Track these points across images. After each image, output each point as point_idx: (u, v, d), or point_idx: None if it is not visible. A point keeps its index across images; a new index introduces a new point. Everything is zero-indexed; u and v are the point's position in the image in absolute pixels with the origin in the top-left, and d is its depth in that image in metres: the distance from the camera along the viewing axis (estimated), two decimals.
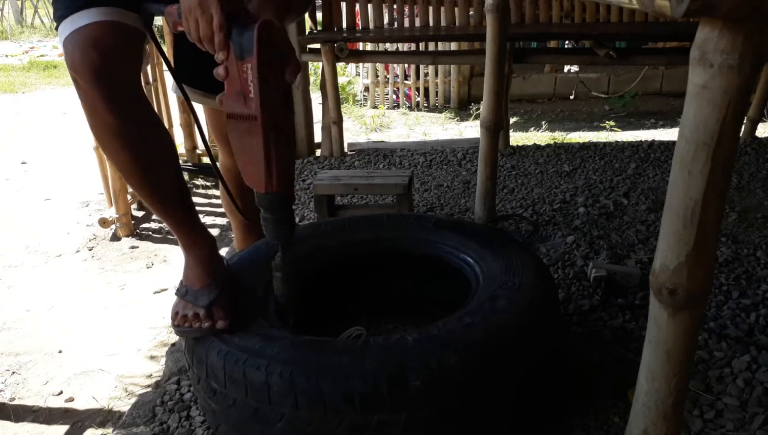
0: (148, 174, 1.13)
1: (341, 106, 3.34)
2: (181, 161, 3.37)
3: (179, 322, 1.20)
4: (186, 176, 3.31)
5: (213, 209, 2.96)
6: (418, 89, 5.64)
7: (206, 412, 1.27)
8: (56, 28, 1.08)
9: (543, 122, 4.69)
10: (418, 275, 1.60)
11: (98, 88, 1.00)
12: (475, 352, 1.08)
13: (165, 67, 1.11)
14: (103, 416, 1.52)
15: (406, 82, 5.65)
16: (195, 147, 3.43)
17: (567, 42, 4.63)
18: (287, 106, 1.02)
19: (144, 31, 1.10)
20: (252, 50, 0.92)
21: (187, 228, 1.22)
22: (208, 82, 1.12)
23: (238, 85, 0.95)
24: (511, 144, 3.34)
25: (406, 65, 5.52)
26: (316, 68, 5.23)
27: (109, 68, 1.01)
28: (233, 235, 1.47)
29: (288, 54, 0.97)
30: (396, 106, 5.69)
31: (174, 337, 1.79)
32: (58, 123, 4.76)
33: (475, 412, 1.08)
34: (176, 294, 1.23)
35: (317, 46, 3.18)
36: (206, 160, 3.45)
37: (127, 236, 2.63)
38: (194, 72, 1.26)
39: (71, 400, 1.61)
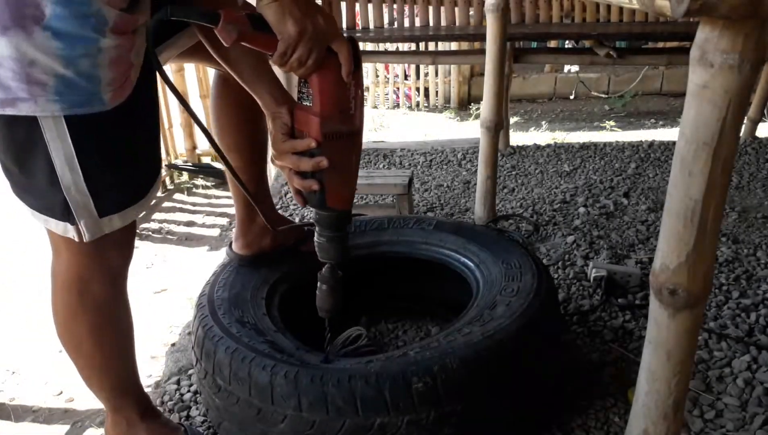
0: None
1: None
2: (180, 161, 3.39)
3: None
4: (186, 176, 3.32)
5: (213, 209, 2.96)
6: (418, 89, 5.64)
7: (210, 408, 1.27)
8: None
9: (543, 122, 4.70)
10: (418, 277, 1.60)
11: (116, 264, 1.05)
12: (475, 361, 1.07)
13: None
14: (103, 416, 1.51)
15: (406, 82, 5.65)
16: (195, 147, 3.43)
17: (567, 42, 4.63)
18: None
19: None
20: (358, 67, 0.92)
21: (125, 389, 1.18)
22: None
23: (342, 103, 0.94)
24: (511, 144, 3.34)
25: (406, 65, 5.52)
26: None
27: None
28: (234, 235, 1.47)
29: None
30: (396, 106, 5.69)
31: (174, 337, 1.79)
32: None
33: (475, 417, 1.08)
34: None
35: None
36: (206, 159, 3.45)
37: None
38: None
39: (71, 400, 1.61)
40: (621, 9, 3.21)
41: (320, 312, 1.16)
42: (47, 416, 1.55)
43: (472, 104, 5.39)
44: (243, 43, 0.88)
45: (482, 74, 2.14)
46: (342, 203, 1.02)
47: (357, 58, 0.92)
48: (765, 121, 3.61)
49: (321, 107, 0.93)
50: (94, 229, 0.95)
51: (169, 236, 2.67)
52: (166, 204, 3.04)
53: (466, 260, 1.45)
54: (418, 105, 5.59)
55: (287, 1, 0.85)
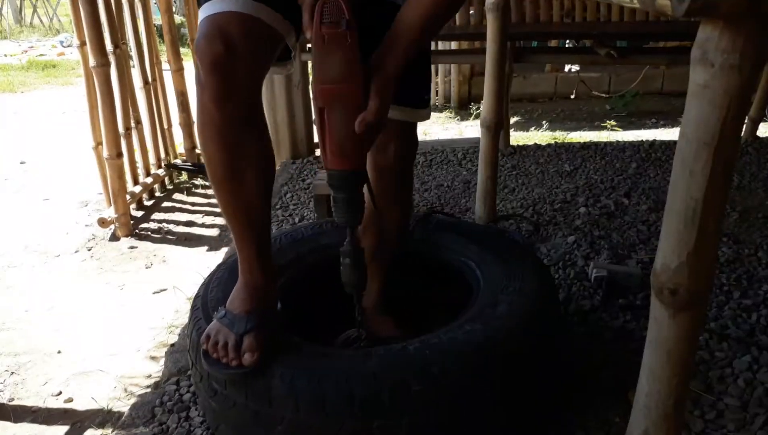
0: (231, 180, 1.08)
1: None
2: (180, 161, 3.39)
3: (210, 349, 1.12)
4: (184, 176, 3.32)
5: (212, 209, 2.96)
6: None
7: (206, 412, 1.27)
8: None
9: (544, 122, 4.69)
10: (418, 277, 1.60)
11: (215, 81, 0.97)
12: (475, 359, 1.07)
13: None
14: (103, 417, 1.51)
15: None
16: (194, 147, 3.43)
17: (568, 41, 4.62)
18: None
19: (283, 35, 1.05)
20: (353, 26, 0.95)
21: (251, 250, 1.14)
22: None
23: (343, 60, 0.96)
24: (511, 143, 3.34)
25: None
26: None
27: (232, 64, 0.96)
28: None
29: None
30: None
31: (173, 338, 1.79)
32: (58, 123, 4.76)
33: (475, 415, 1.08)
34: (215, 317, 1.16)
35: None
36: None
37: (126, 236, 2.63)
38: None
39: (70, 400, 1.61)
40: (621, 8, 3.20)
41: (346, 287, 1.15)
42: (47, 416, 1.55)
43: (472, 104, 5.38)
44: None
45: (482, 74, 2.14)
46: (339, 163, 1.02)
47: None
48: (766, 121, 3.60)
49: (318, 62, 0.97)
50: None
51: (168, 236, 2.66)
52: (165, 204, 3.03)
53: (467, 260, 1.45)
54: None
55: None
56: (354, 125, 0.98)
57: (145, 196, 3.02)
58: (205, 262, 2.36)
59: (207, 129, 1.03)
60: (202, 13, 0.99)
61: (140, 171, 3.04)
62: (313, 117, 1.02)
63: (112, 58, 2.62)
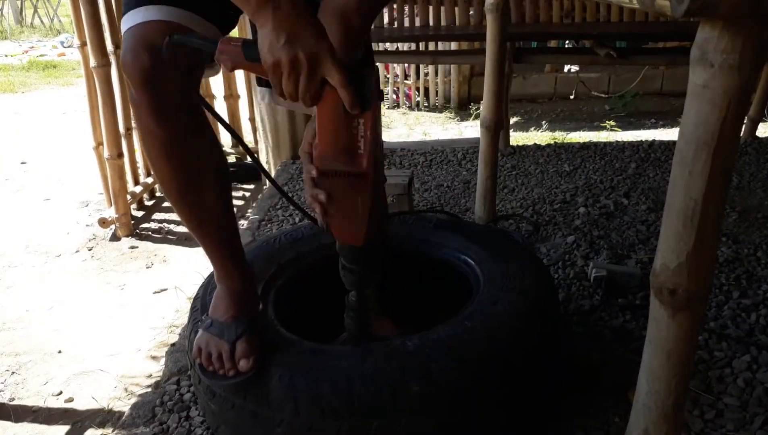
0: (189, 193, 1.04)
1: None
2: None
3: (204, 363, 1.11)
4: None
5: None
6: (418, 89, 5.64)
7: (206, 413, 1.27)
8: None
9: (543, 122, 4.69)
10: (418, 276, 1.60)
11: (146, 95, 0.92)
12: (474, 356, 1.07)
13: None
14: (103, 416, 1.51)
15: (406, 81, 5.65)
16: None
17: (567, 42, 4.63)
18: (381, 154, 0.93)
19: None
20: (369, 107, 0.82)
21: (225, 258, 1.12)
22: None
23: (344, 141, 0.84)
24: (511, 144, 3.34)
25: (406, 65, 5.51)
26: None
27: (162, 76, 0.91)
28: None
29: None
30: (396, 105, 5.69)
31: (174, 337, 1.79)
32: (58, 123, 4.76)
33: (474, 415, 1.08)
34: (201, 327, 1.14)
35: None
36: None
37: (127, 236, 2.63)
38: None
39: (71, 400, 1.61)
40: (621, 9, 3.20)
41: (348, 338, 1.14)
42: (47, 416, 1.55)
43: (472, 104, 5.39)
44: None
45: (482, 74, 2.14)
46: (346, 238, 0.97)
47: (365, 94, 0.81)
48: (765, 121, 3.61)
49: (319, 141, 0.87)
50: None
51: (169, 236, 2.67)
52: (166, 204, 3.04)
53: (467, 259, 1.45)
54: (418, 105, 5.59)
55: (272, 27, 0.78)
56: (366, 204, 0.91)
57: (145, 196, 3.02)
58: (206, 262, 2.35)
59: (152, 148, 0.99)
60: (124, 24, 0.94)
61: (141, 171, 3.04)
62: (307, 185, 0.94)
63: (112, 59, 2.62)
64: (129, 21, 0.94)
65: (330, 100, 0.82)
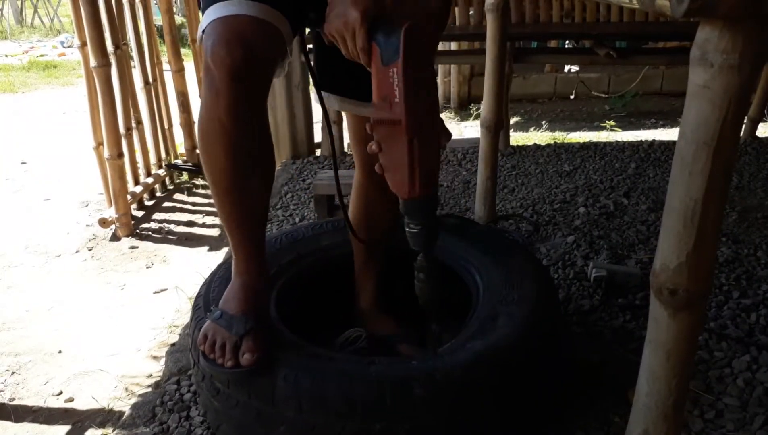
0: (237, 189, 1.06)
1: None
2: (180, 161, 3.39)
3: (207, 350, 1.11)
4: (185, 176, 3.32)
5: (213, 209, 2.95)
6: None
7: (208, 411, 1.27)
8: (201, 12, 1.01)
9: (543, 122, 4.69)
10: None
11: (232, 88, 0.93)
12: (476, 373, 1.08)
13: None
14: (103, 416, 1.51)
15: None
16: (195, 147, 3.43)
17: (567, 42, 4.63)
18: (435, 110, 0.99)
19: (287, 40, 1.02)
20: (397, 55, 0.91)
21: (249, 252, 1.13)
22: (350, 87, 1.10)
23: (384, 90, 0.94)
24: (511, 144, 3.34)
25: None
26: None
27: (250, 70, 0.93)
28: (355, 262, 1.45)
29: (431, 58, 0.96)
30: None
31: (174, 337, 1.79)
32: (58, 123, 4.76)
33: (474, 422, 1.08)
34: (209, 317, 1.14)
35: None
36: None
37: (127, 236, 2.63)
38: (335, 78, 1.22)
39: (71, 400, 1.61)
40: (621, 9, 3.20)
41: (420, 301, 1.13)
42: (47, 416, 1.55)
43: (472, 104, 5.38)
44: None
45: (482, 74, 2.14)
46: (398, 190, 1.00)
47: (413, 48, 0.91)
48: (765, 121, 3.61)
49: (373, 93, 0.96)
50: None
51: (169, 236, 2.67)
52: (166, 204, 3.04)
53: (467, 264, 1.45)
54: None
55: (330, 8, 0.93)
56: (436, 149, 0.99)
57: (145, 196, 3.02)
58: (206, 262, 2.37)
59: (217, 140, 1.00)
60: (213, 13, 0.95)
61: (141, 171, 3.04)
62: (372, 146, 1.00)
63: (112, 59, 2.62)
64: (217, 12, 0.95)
65: (374, 53, 0.93)
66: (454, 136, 4.31)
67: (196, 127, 1.09)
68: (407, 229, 1.04)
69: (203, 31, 0.97)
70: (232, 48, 0.92)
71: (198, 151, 1.11)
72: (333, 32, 0.95)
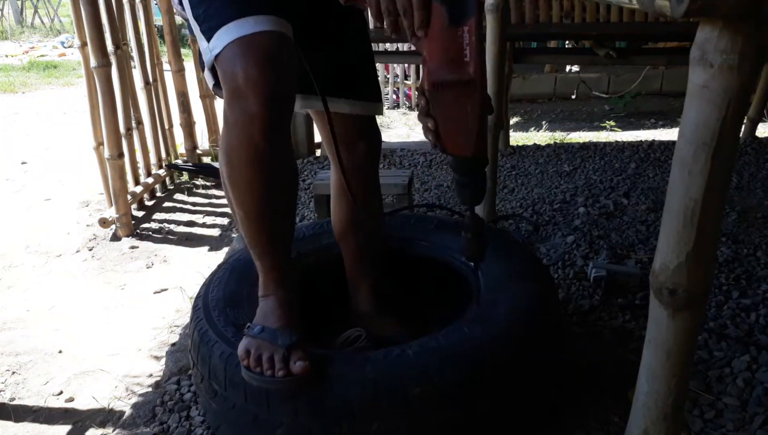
0: (269, 214, 1.04)
1: None
2: (181, 161, 3.39)
3: (252, 364, 1.06)
4: (185, 176, 3.32)
5: (213, 209, 2.96)
6: (418, 89, 5.64)
7: (207, 412, 1.27)
8: (207, 39, 0.95)
9: (543, 122, 4.69)
10: (418, 276, 1.60)
11: (268, 109, 0.90)
12: (475, 362, 1.07)
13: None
14: (104, 416, 1.52)
15: (406, 82, 5.65)
16: (195, 147, 3.43)
17: (567, 42, 4.63)
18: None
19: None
20: (472, 14, 0.88)
21: (279, 270, 1.12)
22: (335, 85, 1.08)
23: (451, 52, 0.91)
24: (511, 144, 3.34)
25: (406, 65, 5.51)
26: None
27: (284, 89, 0.91)
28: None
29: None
30: (396, 106, 5.69)
31: (174, 337, 1.79)
32: (58, 123, 4.76)
33: (474, 418, 1.08)
34: (247, 334, 1.10)
35: None
36: (206, 159, 3.45)
37: (127, 236, 2.63)
38: (326, 78, 1.16)
39: (71, 400, 1.61)
40: (621, 9, 3.20)
41: (466, 257, 1.16)
42: (48, 416, 1.55)
43: None
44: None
45: None
46: (458, 149, 1.01)
47: (465, 4, 0.89)
48: (765, 121, 3.61)
49: (428, 56, 0.94)
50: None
51: (169, 236, 2.67)
52: (166, 204, 3.04)
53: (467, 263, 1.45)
54: (418, 105, 5.59)
55: None
56: (475, 111, 0.96)
57: (146, 196, 3.02)
58: (206, 262, 2.37)
59: (251, 163, 0.97)
60: (228, 34, 0.91)
61: (141, 171, 3.04)
62: (419, 104, 1.00)
63: (113, 59, 2.62)
64: (233, 32, 0.91)
65: (436, 14, 0.90)
66: None
67: (222, 155, 1.02)
68: (457, 187, 1.05)
69: (217, 55, 0.93)
70: (266, 70, 0.89)
71: (225, 179, 1.05)
72: None
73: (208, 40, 0.95)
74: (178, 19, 3.50)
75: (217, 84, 1.01)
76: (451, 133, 0.99)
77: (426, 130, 1.00)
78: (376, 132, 1.36)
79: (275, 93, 0.90)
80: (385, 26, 0.92)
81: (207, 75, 1.03)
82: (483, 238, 1.11)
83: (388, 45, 4.62)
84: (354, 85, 1.23)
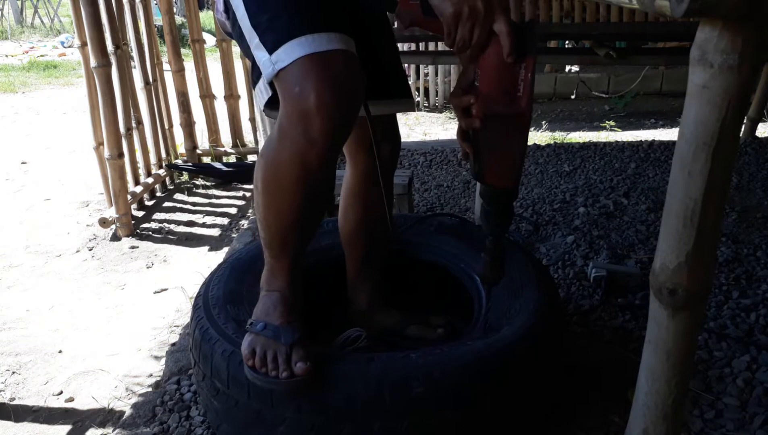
0: (301, 227, 1.06)
1: None
2: (181, 161, 3.39)
3: (257, 364, 1.05)
4: (185, 176, 3.32)
5: (213, 209, 2.96)
6: (418, 89, 5.64)
7: (208, 410, 1.27)
8: (269, 51, 0.89)
9: (543, 122, 4.69)
10: (419, 278, 1.60)
11: (331, 139, 0.87)
12: (478, 375, 1.07)
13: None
14: (104, 416, 1.52)
15: None
16: (195, 147, 3.43)
17: (567, 42, 4.63)
18: None
19: None
20: (531, 54, 0.92)
21: (292, 272, 1.12)
22: (374, 87, 1.06)
23: (506, 84, 0.94)
24: None
25: (406, 65, 5.52)
26: None
27: (351, 119, 0.88)
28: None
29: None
30: None
31: (175, 337, 1.79)
32: (58, 123, 4.76)
33: (474, 419, 1.08)
34: (250, 331, 1.09)
35: None
36: (206, 159, 3.45)
37: (127, 236, 2.63)
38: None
39: (71, 400, 1.61)
40: (621, 9, 3.21)
41: (482, 280, 1.18)
42: (48, 416, 1.55)
43: None
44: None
45: None
46: (498, 180, 1.03)
47: (526, 42, 0.91)
48: (765, 121, 3.61)
49: (482, 88, 0.96)
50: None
51: (169, 236, 2.67)
52: (166, 204, 3.04)
53: (466, 265, 1.45)
54: (418, 105, 5.59)
55: None
56: (522, 144, 1.00)
57: (146, 196, 3.02)
58: (206, 261, 2.37)
59: (298, 183, 0.95)
60: (300, 48, 0.86)
61: (141, 171, 3.04)
62: (462, 136, 1.05)
63: (113, 59, 2.62)
64: (305, 47, 0.87)
65: (495, 47, 0.92)
66: (455, 136, 4.31)
67: (265, 162, 0.99)
68: (484, 215, 1.08)
69: (282, 69, 0.88)
70: (340, 97, 0.86)
71: (261, 184, 1.01)
72: (450, 15, 0.89)
73: (271, 52, 0.90)
74: (178, 19, 3.50)
75: (272, 99, 0.97)
76: (493, 162, 1.02)
77: (463, 155, 1.03)
78: (397, 133, 1.36)
79: (343, 121, 0.88)
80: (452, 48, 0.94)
81: (262, 88, 0.98)
82: (501, 264, 1.14)
83: None
84: (390, 85, 1.23)
